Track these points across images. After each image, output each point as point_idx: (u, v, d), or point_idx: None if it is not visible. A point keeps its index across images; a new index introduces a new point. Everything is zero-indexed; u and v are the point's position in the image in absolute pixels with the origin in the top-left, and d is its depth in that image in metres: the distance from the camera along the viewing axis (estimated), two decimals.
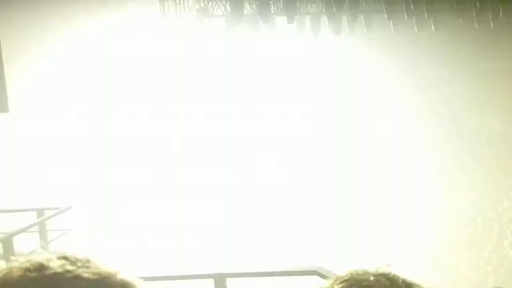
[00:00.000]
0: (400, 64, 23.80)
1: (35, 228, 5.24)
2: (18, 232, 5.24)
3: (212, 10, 19.40)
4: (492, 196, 18.29)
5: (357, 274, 0.82)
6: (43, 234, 5.19)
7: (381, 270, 0.83)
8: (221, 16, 19.27)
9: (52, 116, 20.26)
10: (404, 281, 0.82)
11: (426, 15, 19.96)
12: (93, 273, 0.69)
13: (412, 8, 19.24)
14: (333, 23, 19.68)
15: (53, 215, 5.44)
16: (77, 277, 0.67)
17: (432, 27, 20.50)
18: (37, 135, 19.73)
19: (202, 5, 19.35)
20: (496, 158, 20.84)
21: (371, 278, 0.80)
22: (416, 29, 20.53)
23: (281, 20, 19.49)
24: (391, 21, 20.26)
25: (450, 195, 18.36)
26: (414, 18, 20.14)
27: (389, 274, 0.82)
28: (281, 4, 19.23)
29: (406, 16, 19.83)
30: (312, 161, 22.81)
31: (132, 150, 22.74)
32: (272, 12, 19.03)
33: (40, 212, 5.57)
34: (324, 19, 19.84)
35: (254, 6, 19.10)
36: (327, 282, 0.83)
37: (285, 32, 20.31)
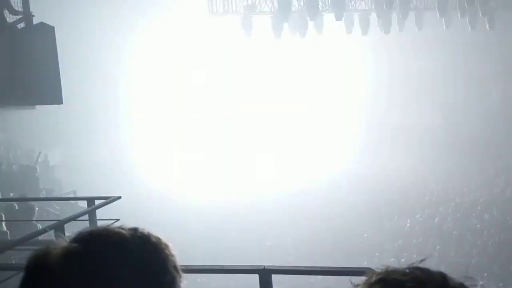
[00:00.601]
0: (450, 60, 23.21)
1: (86, 216, 5.40)
2: (69, 220, 5.40)
3: (260, 7, 19.37)
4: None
5: (393, 268, 0.87)
6: (92, 223, 5.33)
7: (415, 265, 0.87)
8: (269, 13, 19.21)
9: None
10: (439, 273, 0.85)
11: (480, 13, 19.23)
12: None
13: (466, 6, 18.54)
14: (382, 21, 19.26)
15: (103, 205, 5.57)
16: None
17: (487, 25, 19.70)
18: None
19: (250, 2, 19.35)
20: None
21: (407, 271, 0.85)
22: (469, 27, 19.80)
23: (329, 17, 19.25)
24: (443, 19, 19.63)
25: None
26: (467, 16, 19.43)
27: (423, 267, 0.86)
28: (329, 1, 18.99)
29: (459, 14, 19.16)
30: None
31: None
32: (320, 9, 18.81)
33: (90, 201, 5.73)
34: (373, 16, 19.45)
35: (302, 2, 18.93)
36: (366, 276, 0.88)
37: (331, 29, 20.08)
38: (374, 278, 0.86)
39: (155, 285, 0.86)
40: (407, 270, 0.85)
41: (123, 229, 0.90)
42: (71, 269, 0.82)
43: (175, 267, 0.90)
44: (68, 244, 0.86)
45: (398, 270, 0.86)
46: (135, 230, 0.90)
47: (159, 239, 0.91)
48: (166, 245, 0.91)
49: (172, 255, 0.91)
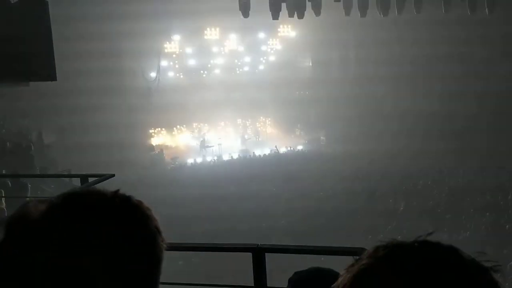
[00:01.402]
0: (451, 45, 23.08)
1: None
2: None
3: None
4: None
5: (398, 243, 0.80)
6: None
7: (422, 238, 0.80)
8: None
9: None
10: (451, 248, 0.79)
11: None
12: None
13: None
14: (381, 2, 19.07)
15: (96, 182, 5.53)
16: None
17: (486, 10, 19.54)
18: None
19: None
20: None
21: (415, 245, 0.79)
22: (468, 11, 19.63)
23: None
24: (442, 1, 19.46)
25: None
26: (467, 0, 19.27)
27: (433, 242, 0.79)
28: None
29: None
30: None
31: None
32: None
33: (83, 178, 5.69)
34: None
35: None
36: (369, 250, 0.81)
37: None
38: (380, 253, 0.78)
39: (135, 239, 0.86)
40: (416, 245, 0.78)
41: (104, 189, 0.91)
42: (51, 221, 0.82)
43: (156, 227, 0.90)
44: (49, 200, 0.87)
45: (405, 245, 0.79)
46: (116, 191, 0.90)
47: (141, 202, 0.91)
48: (148, 208, 0.91)
49: (154, 218, 0.90)
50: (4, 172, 11.71)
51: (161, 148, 26.25)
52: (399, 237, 0.87)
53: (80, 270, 0.80)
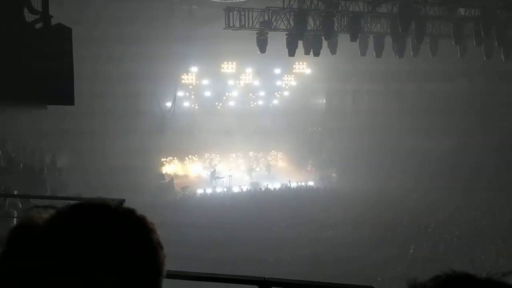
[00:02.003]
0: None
1: None
2: None
3: (276, 24, 19.47)
4: None
5: (468, 275, 0.75)
6: None
7: (495, 278, 0.76)
8: (284, 30, 19.31)
9: None
10: None
11: (496, 43, 19.20)
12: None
13: (483, 35, 18.54)
14: (397, 44, 19.29)
15: None
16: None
17: (502, 56, 19.65)
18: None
19: (266, 18, 19.46)
20: None
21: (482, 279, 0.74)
22: (484, 56, 19.75)
23: (343, 38, 19.33)
24: (458, 46, 19.63)
25: None
26: (483, 45, 19.41)
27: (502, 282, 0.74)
28: (345, 22, 19.08)
29: (475, 43, 19.14)
30: None
31: None
32: (336, 29, 18.89)
33: None
34: (388, 39, 19.49)
35: (318, 22, 19.03)
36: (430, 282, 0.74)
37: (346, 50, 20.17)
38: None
39: (137, 251, 0.87)
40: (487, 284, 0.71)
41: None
42: (54, 229, 0.83)
43: (158, 242, 0.91)
44: (54, 210, 0.88)
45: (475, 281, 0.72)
46: (121, 203, 0.92)
47: (144, 216, 0.93)
48: (151, 223, 0.92)
49: (156, 233, 0.91)
50: (16, 193, 11.76)
51: (172, 177, 26.29)
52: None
53: (79, 277, 0.81)
